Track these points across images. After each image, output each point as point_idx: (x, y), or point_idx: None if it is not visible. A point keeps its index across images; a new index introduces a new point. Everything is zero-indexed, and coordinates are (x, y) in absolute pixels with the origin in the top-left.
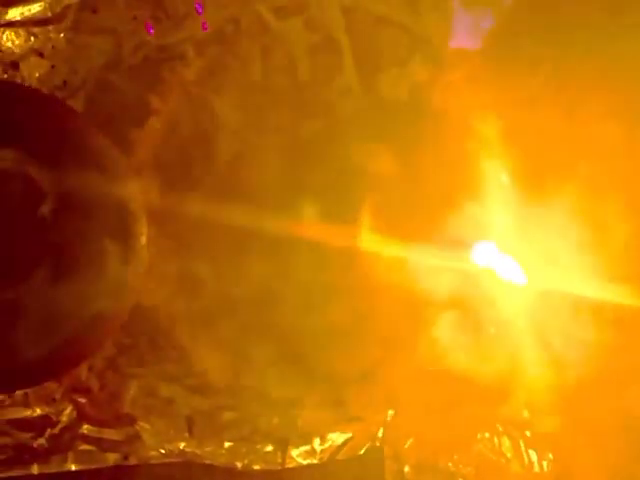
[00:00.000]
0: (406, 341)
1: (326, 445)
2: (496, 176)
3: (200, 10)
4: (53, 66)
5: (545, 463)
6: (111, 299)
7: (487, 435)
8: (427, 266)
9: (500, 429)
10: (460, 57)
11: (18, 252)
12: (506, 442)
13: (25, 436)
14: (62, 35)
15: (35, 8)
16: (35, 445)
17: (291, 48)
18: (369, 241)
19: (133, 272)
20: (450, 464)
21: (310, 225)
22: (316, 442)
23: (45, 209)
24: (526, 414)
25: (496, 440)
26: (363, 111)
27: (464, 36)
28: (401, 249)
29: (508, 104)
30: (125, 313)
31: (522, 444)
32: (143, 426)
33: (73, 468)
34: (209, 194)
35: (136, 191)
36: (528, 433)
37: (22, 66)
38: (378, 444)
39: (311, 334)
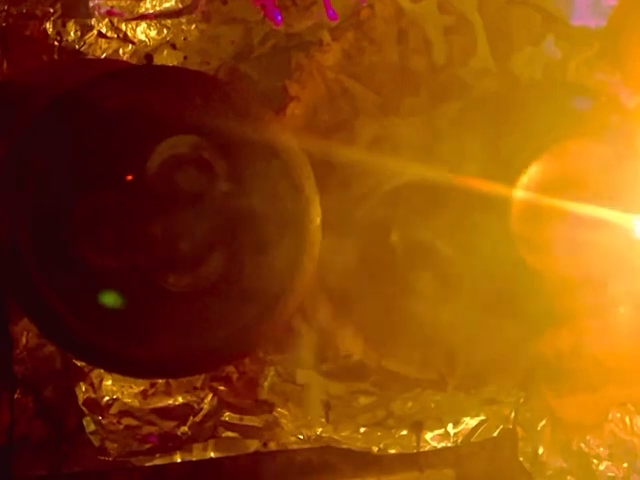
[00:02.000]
0: (546, 323)
1: (460, 428)
2: None
3: None
4: (186, 57)
5: None
6: (288, 282)
7: (619, 415)
8: (579, 243)
9: (632, 409)
10: (589, 35)
11: (194, 237)
12: (638, 422)
13: (169, 424)
14: (193, 26)
15: (167, 1)
16: (179, 433)
17: (426, 31)
18: (523, 221)
19: (309, 255)
20: (583, 445)
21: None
22: (450, 425)
23: (219, 192)
24: None
25: (628, 420)
26: (499, 91)
27: (587, 15)
28: (559, 225)
29: None
30: (300, 297)
31: None
32: (281, 412)
33: (212, 455)
34: (349, 178)
35: (310, 173)
36: None
37: (156, 58)
38: (511, 426)
39: (452, 318)
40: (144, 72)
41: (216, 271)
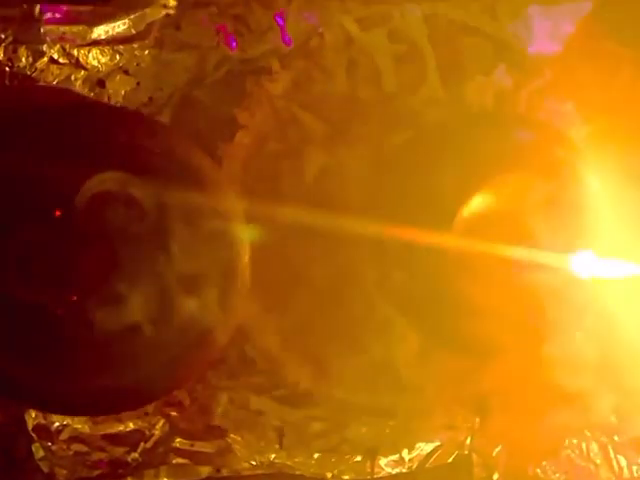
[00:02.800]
0: (498, 349)
1: (415, 454)
2: (588, 182)
3: (281, 22)
4: (138, 83)
5: (635, 468)
6: (215, 320)
7: (575, 441)
8: (522, 274)
9: (588, 434)
10: (542, 63)
11: (122, 273)
12: (595, 448)
13: (119, 450)
14: (147, 52)
15: (119, 26)
16: (129, 459)
17: (376, 59)
18: (459, 250)
19: (236, 292)
20: (539, 471)
21: (397, 234)
22: (404, 451)
23: (146, 229)
24: (614, 419)
25: (584, 446)
26: (448, 121)
27: (544, 41)
28: (496, 258)
29: (593, 108)
30: (228, 334)
31: (611, 449)
32: (234, 438)
33: None
34: (297, 207)
35: (237, 208)
36: (617, 438)
37: (108, 84)
38: (466, 452)
39: (402, 343)
40: (72, 109)
41: (143, 308)
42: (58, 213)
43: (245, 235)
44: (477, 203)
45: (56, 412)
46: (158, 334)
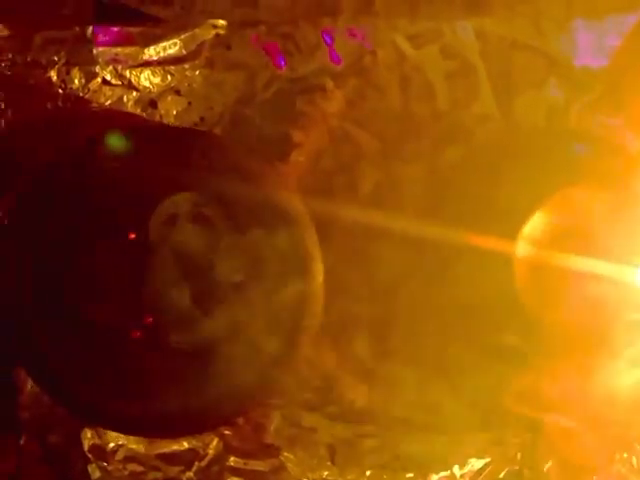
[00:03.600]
0: (556, 363)
1: (466, 470)
2: None
3: (329, 41)
4: (190, 103)
5: None
6: (290, 340)
7: (625, 455)
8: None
9: (638, 449)
10: (590, 76)
11: (197, 294)
12: None
13: (174, 470)
14: (197, 72)
15: (170, 47)
16: (184, 479)
17: (428, 76)
18: (524, 270)
19: (312, 312)
20: None
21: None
22: (456, 467)
23: (221, 249)
24: None
25: (635, 460)
26: (501, 137)
27: (590, 55)
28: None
29: None
30: (303, 354)
31: None
32: (287, 456)
33: None
34: (352, 224)
35: (312, 229)
36: None
37: (160, 104)
38: (517, 467)
39: (457, 363)
40: (143, 131)
41: (219, 328)
42: (132, 236)
43: (318, 252)
44: (537, 219)
45: (129, 433)
46: (230, 356)
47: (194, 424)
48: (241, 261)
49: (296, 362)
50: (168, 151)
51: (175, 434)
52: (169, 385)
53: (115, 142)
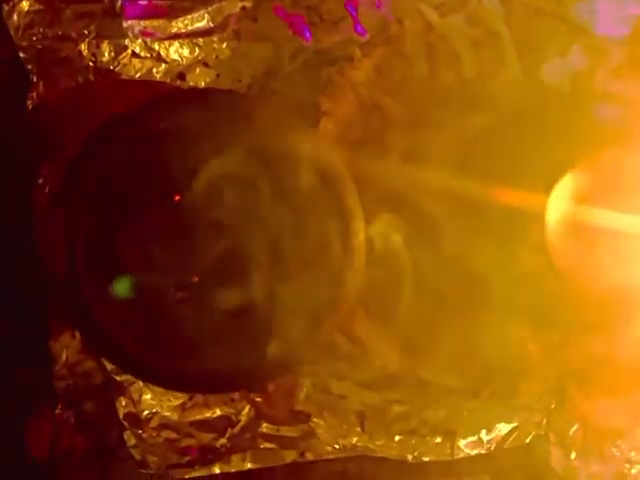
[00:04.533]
0: (582, 329)
1: (493, 435)
2: None
3: (353, 12)
4: (218, 75)
5: None
6: (333, 298)
7: None
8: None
9: None
10: (613, 44)
11: (241, 254)
12: None
13: (207, 437)
14: (225, 45)
15: (198, 20)
16: (217, 445)
17: (454, 44)
18: (558, 231)
19: (354, 270)
20: (614, 449)
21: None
22: (483, 432)
23: (265, 209)
24: None
25: None
26: (528, 103)
27: (610, 24)
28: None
29: None
30: (346, 313)
31: None
32: (317, 422)
33: (250, 466)
34: (382, 192)
35: (353, 188)
36: None
37: (188, 76)
38: (543, 432)
39: (487, 328)
40: (190, 95)
41: (262, 288)
42: (177, 198)
43: (360, 211)
44: (568, 183)
45: (174, 389)
46: (275, 315)
47: (233, 384)
48: (284, 221)
49: (337, 326)
50: (211, 113)
51: (214, 391)
52: (212, 344)
53: (160, 108)
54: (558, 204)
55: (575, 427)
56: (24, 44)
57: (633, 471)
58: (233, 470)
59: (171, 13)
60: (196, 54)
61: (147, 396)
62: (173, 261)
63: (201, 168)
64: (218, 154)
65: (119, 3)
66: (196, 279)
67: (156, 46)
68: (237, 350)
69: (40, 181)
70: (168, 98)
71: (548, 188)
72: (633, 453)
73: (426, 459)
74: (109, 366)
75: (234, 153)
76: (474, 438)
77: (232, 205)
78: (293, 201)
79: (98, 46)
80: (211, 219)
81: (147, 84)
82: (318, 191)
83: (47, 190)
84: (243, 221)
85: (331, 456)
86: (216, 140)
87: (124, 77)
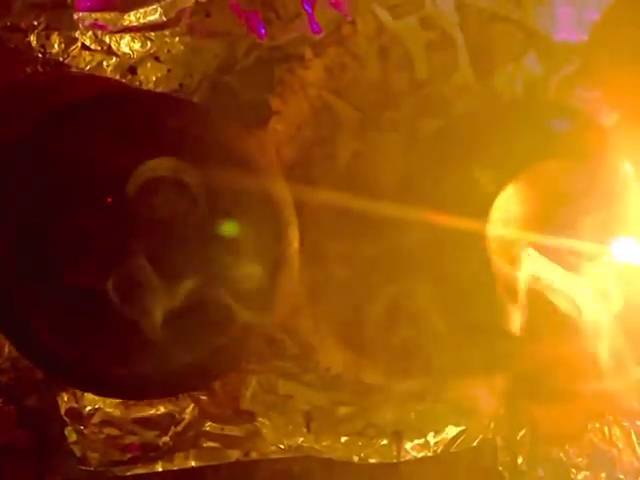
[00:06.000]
0: (530, 334)
1: (440, 437)
2: (621, 168)
3: (309, 10)
4: (169, 70)
5: None
6: (266, 304)
7: (598, 425)
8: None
9: (610, 419)
10: (570, 50)
11: (173, 258)
12: (617, 432)
13: (150, 434)
14: (177, 39)
15: (150, 13)
16: (160, 443)
17: (408, 47)
18: (496, 238)
19: (287, 277)
20: (562, 454)
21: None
22: (430, 435)
23: (198, 216)
24: (637, 405)
25: (607, 430)
26: (480, 109)
27: (569, 29)
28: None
29: (622, 94)
30: (278, 318)
31: (634, 434)
32: (263, 422)
33: (194, 465)
34: (329, 193)
35: (288, 196)
36: (639, 422)
37: (139, 70)
38: (491, 436)
39: (434, 327)
40: (121, 97)
41: (195, 291)
42: (109, 200)
43: (294, 218)
44: (512, 191)
45: (107, 395)
46: (207, 319)
47: (171, 387)
48: (217, 227)
49: (270, 328)
50: (147, 116)
51: (153, 396)
52: (144, 349)
53: (92, 108)
54: (500, 218)
55: (523, 432)
56: None
57: (579, 477)
58: (176, 468)
59: (123, 6)
60: (148, 48)
61: None
62: (103, 263)
63: (133, 171)
64: (152, 157)
65: None
66: (130, 280)
67: (107, 39)
68: (169, 354)
69: None
70: (109, 96)
71: (493, 198)
72: (580, 459)
73: (372, 461)
74: None
75: (168, 157)
76: (421, 441)
77: (165, 209)
78: (228, 207)
79: (48, 37)
80: (144, 222)
81: (93, 79)
82: (253, 199)
83: None
84: (176, 224)
85: (276, 456)
86: (152, 143)
87: (73, 70)
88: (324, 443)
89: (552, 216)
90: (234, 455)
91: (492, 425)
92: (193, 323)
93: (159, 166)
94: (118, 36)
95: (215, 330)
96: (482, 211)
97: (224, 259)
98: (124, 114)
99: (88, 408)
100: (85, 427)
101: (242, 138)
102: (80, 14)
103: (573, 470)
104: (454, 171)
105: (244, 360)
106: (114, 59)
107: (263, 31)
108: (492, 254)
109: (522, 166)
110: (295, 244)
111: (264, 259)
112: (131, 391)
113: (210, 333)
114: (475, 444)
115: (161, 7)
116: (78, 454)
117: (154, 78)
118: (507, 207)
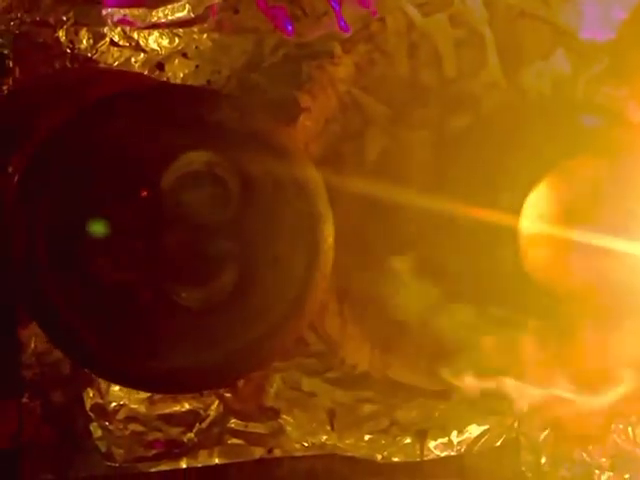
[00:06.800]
0: (552, 337)
1: (463, 437)
2: None
3: (337, 7)
4: (197, 66)
5: None
6: (299, 300)
7: (621, 426)
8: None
9: (634, 420)
10: (598, 48)
11: (207, 252)
12: None
13: (175, 431)
14: (205, 36)
15: (179, 10)
16: (185, 439)
17: (437, 44)
18: (530, 237)
19: (321, 273)
20: (585, 455)
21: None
22: (453, 434)
23: (233, 209)
24: None
25: (630, 431)
26: (508, 106)
27: (596, 27)
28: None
29: None
30: (312, 314)
31: None
32: (287, 419)
33: (218, 462)
34: (358, 190)
35: (323, 190)
36: None
37: (167, 67)
38: (514, 436)
39: (463, 327)
40: (157, 91)
41: (228, 286)
42: (144, 193)
43: (329, 213)
44: (543, 188)
45: (139, 388)
46: (240, 314)
47: (201, 381)
48: (252, 221)
49: (303, 324)
50: (183, 109)
51: (184, 391)
52: (176, 342)
53: (127, 102)
54: (531, 214)
55: (546, 432)
56: (1, 28)
57: (603, 477)
58: (200, 465)
59: (151, 2)
60: (175, 44)
61: (115, 388)
62: (138, 258)
63: (169, 164)
64: (188, 151)
65: None
66: (162, 275)
67: (135, 35)
68: (201, 349)
69: (10, 169)
70: (145, 89)
71: (526, 192)
72: (604, 459)
73: (395, 459)
74: None
75: (203, 151)
76: (444, 440)
77: (200, 203)
78: (262, 202)
79: (76, 33)
80: (178, 216)
81: (123, 74)
82: (289, 193)
83: (16, 179)
84: (210, 220)
85: (299, 454)
86: (186, 137)
87: (102, 66)
88: (347, 441)
89: (583, 212)
90: (258, 452)
91: (516, 425)
92: (227, 318)
93: (195, 159)
94: (146, 32)
95: (248, 326)
96: (513, 208)
97: (257, 254)
98: (160, 107)
99: (113, 404)
100: (110, 423)
101: (277, 131)
102: (109, 10)
103: (596, 471)
104: (482, 167)
105: (276, 357)
106: (142, 55)
107: (290, 28)
108: (523, 252)
109: (553, 163)
110: (330, 240)
111: (299, 254)
112: (163, 385)
113: (243, 328)
114: (498, 444)
115: (189, 4)
116: (103, 450)
117: (182, 75)
118: (539, 203)
